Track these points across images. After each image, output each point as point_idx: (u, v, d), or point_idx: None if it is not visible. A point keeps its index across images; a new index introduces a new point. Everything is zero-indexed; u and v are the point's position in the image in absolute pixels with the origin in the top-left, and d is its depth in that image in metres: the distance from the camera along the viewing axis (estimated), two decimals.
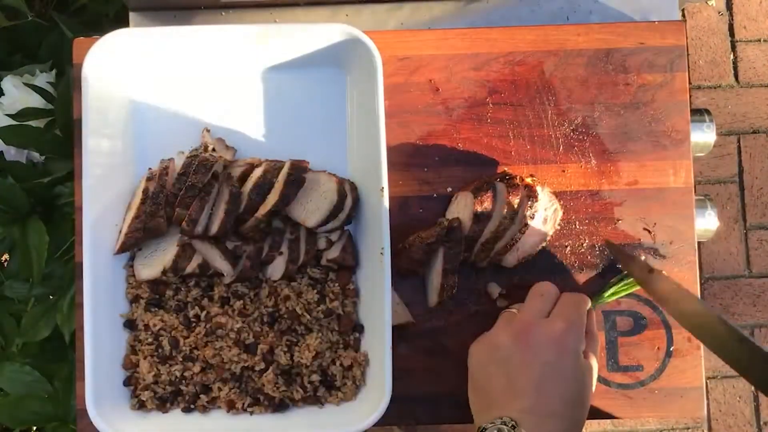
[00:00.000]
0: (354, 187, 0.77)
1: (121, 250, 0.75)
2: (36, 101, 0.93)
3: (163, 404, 0.76)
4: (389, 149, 0.77)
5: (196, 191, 0.73)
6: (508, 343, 0.68)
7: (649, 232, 0.81)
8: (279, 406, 0.75)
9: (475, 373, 0.70)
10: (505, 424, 0.61)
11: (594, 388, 0.70)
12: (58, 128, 0.91)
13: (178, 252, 0.75)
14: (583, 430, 0.68)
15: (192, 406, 0.76)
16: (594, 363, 0.71)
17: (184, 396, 0.76)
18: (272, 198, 0.74)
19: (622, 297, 0.79)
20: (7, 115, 0.92)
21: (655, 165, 0.81)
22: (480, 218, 0.75)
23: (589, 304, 0.73)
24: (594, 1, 0.89)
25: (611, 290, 0.78)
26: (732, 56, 1.79)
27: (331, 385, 0.76)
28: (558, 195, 0.81)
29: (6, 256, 1.03)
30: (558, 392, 0.65)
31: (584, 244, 0.81)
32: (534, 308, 0.70)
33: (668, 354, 0.80)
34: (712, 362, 1.73)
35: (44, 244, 0.90)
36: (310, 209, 0.75)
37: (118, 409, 0.75)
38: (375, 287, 0.75)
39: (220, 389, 0.76)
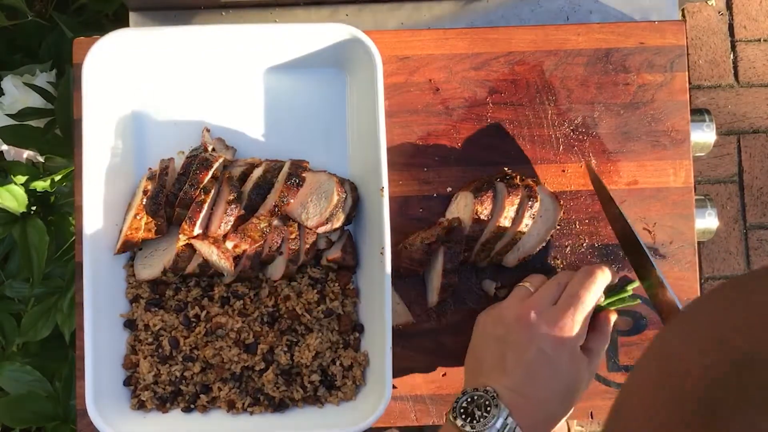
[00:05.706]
0: (354, 187, 0.77)
1: (121, 250, 0.75)
2: (36, 101, 0.93)
3: (163, 404, 0.76)
4: (389, 149, 0.77)
5: (195, 191, 0.73)
6: (511, 322, 0.69)
7: (649, 232, 0.81)
8: (279, 406, 0.75)
9: (475, 340, 0.72)
10: (486, 392, 0.63)
11: (588, 384, 0.70)
12: (58, 128, 0.91)
13: (178, 252, 0.75)
14: (583, 430, 0.68)
15: (192, 406, 0.76)
16: (595, 360, 0.70)
17: (184, 396, 0.76)
18: (272, 198, 0.74)
19: (619, 306, 0.75)
20: (7, 115, 0.92)
21: (655, 165, 0.81)
22: (480, 218, 0.75)
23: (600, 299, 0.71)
24: (594, 1, 0.89)
25: (611, 299, 0.75)
26: (732, 56, 1.79)
27: (331, 385, 0.76)
28: (558, 195, 0.81)
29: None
30: (547, 381, 0.66)
31: (584, 244, 0.81)
32: (547, 296, 0.71)
33: None
34: None
35: (44, 244, 0.90)
36: (310, 209, 0.75)
37: (118, 409, 0.75)
38: (375, 287, 0.75)
39: (220, 389, 0.76)
